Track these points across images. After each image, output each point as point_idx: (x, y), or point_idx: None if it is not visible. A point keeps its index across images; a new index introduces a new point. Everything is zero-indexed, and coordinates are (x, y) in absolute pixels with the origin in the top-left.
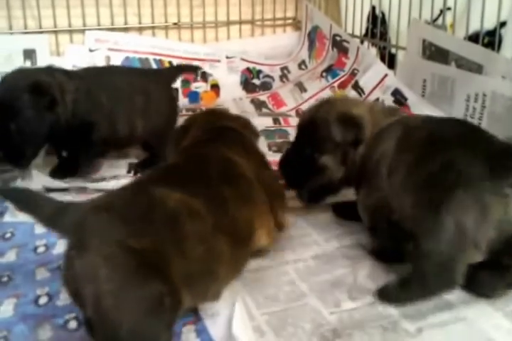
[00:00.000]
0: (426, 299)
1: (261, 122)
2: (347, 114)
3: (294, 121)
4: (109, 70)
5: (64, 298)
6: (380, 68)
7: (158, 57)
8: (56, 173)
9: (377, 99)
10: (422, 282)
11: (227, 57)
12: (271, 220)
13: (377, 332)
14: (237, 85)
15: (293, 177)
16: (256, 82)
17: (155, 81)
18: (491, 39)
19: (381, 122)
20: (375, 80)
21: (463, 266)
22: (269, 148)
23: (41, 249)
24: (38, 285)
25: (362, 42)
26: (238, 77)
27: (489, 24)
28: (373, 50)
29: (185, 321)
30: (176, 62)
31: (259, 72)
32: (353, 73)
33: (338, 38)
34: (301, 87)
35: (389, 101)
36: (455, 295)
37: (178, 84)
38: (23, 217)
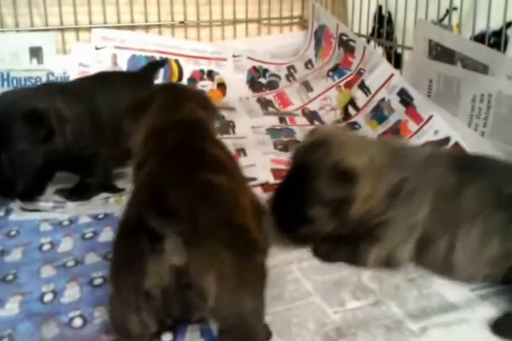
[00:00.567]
0: None
1: (267, 121)
2: (339, 168)
3: (300, 120)
4: (102, 80)
5: (69, 295)
6: (386, 68)
7: (164, 56)
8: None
9: (383, 99)
10: None
11: (234, 56)
12: None
13: (381, 332)
14: (244, 84)
15: (283, 221)
16: (262, 80)
17: (142, 85)
18: (497, 39)
19: (388, 176)
20: (381, 80)
21: None
22: (275, 147)
23: (46, 247)
24: (43, 282)
25: (368, 41)
26: (244, 76)
27: (495, 24)
28: (379, 50)
29: None
30: (182, 60)
31: (266, 71)
32: (360, 73)
33: (344, 38)
34: (307, 86)
35: (395, 101)
36: (459, 297)
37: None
38: (28, 216)
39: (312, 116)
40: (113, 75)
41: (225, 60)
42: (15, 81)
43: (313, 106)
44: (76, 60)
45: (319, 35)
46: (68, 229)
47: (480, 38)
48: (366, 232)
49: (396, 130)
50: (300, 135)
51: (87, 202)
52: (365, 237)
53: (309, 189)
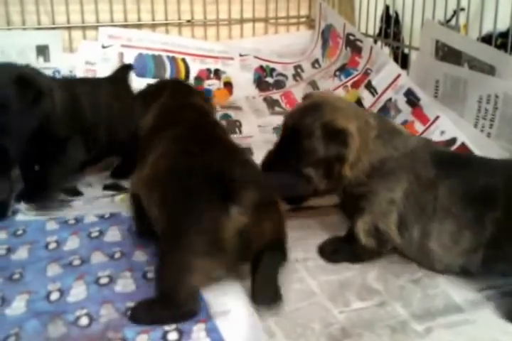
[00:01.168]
0: None
1: (274, 121)
2: (332, 127)
3: None
4: (83, 82)
5: (75, 294)
6: (393, 68)
7: (171, 54)
8: (25, 196)
9: (390, 100)
10: None
11: (241, 55)
12: None
13: (386, 333)
14: (250, 83)
15: (276, 182)
16: (269, 80)
17: (119, 86)
18: (504, 40)
19: (376, 147)
20: (388, 80)
21: None
22: None
23: (52, 245)
24: (49, 281)
25: (375, 41)
26: (251, 75)
27: (502, 25)
28: (386, 50)
29: (196, 319)
30: (189, 59)
31: (273, 70)
32: (366, 73)
33: (351, 37)
34: (314, 85)
35: (401, 101)
36: (464, 297)
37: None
38: (34, 216)
39: None
40: (91, 80)
41: (231, 59)
42: None
43: None
44: (83, 59)
45: (326, 35)
46: (74, 227)
47: (487, 39)
48: (353, 205)
49: None
50: None
51: (93, 200)
52: (353, 210)
53: (303, 148)
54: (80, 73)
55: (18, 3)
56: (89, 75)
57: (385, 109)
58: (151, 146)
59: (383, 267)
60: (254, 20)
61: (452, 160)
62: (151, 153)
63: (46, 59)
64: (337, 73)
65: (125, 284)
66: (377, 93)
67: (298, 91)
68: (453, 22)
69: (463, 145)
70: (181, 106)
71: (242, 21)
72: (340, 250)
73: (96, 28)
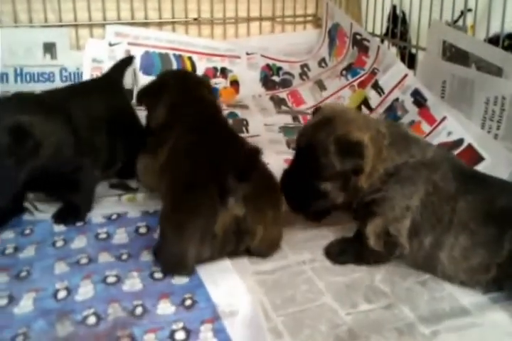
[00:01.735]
0: None
1: (280, 119)
2: (347, 141)
3: None
4: (72, 90)
5: (83, 293)
6: (400, 68)
7: (178, 53)
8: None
9: (397, 100)
10: None
11: (247, 54)
12: None
13: (393, 336)
14: (257, 82)
15: (295, 200)
16: (276, 79)
17: (111, 89)
18: (511, 42)
19: (390, 155)
20: (395, 80)
21: None
22: (288, 146)
23: (60, 243)
24: (56, 279)
25: (382, 41)
26: (258, 74)
27: (510, 27)
28: (393, 50)
29: (203, 318)
30: (195, 57)
31: (279, 69)
32: (373, 72)
33: (358, 37)
34: (320, 85)
35: (408, 101)
36: (471, 300)
37: None
38: (41, 216)
39: None
40: (82, 85)
41: (238, 57)
42: (28, 76)
43: None
44: (89, 56)
45: (333, 34)
46: (82, 228)
47: (494, 40)
48: (364, 209)
49: None
50: None
51: (99, 198)
52: (364, 213)
53: (320, 165)
54: (86, 71)
55: (25, 1)
56: (96, 73)
57: (391, 109)
58: (165, 136)
59: (390, 269)
60: (261, 18)
61: (473, 176)
62: (165, 143)
63: (53, 56)
64: (344, 72)
65: (132, 283)
66: (384, 93)
67: (304, 90)
68: (460, 23)
69: (470, 146)
70: (187, 103)
71: (248, 20)
72: (346, 251)
73: (103, 25)
